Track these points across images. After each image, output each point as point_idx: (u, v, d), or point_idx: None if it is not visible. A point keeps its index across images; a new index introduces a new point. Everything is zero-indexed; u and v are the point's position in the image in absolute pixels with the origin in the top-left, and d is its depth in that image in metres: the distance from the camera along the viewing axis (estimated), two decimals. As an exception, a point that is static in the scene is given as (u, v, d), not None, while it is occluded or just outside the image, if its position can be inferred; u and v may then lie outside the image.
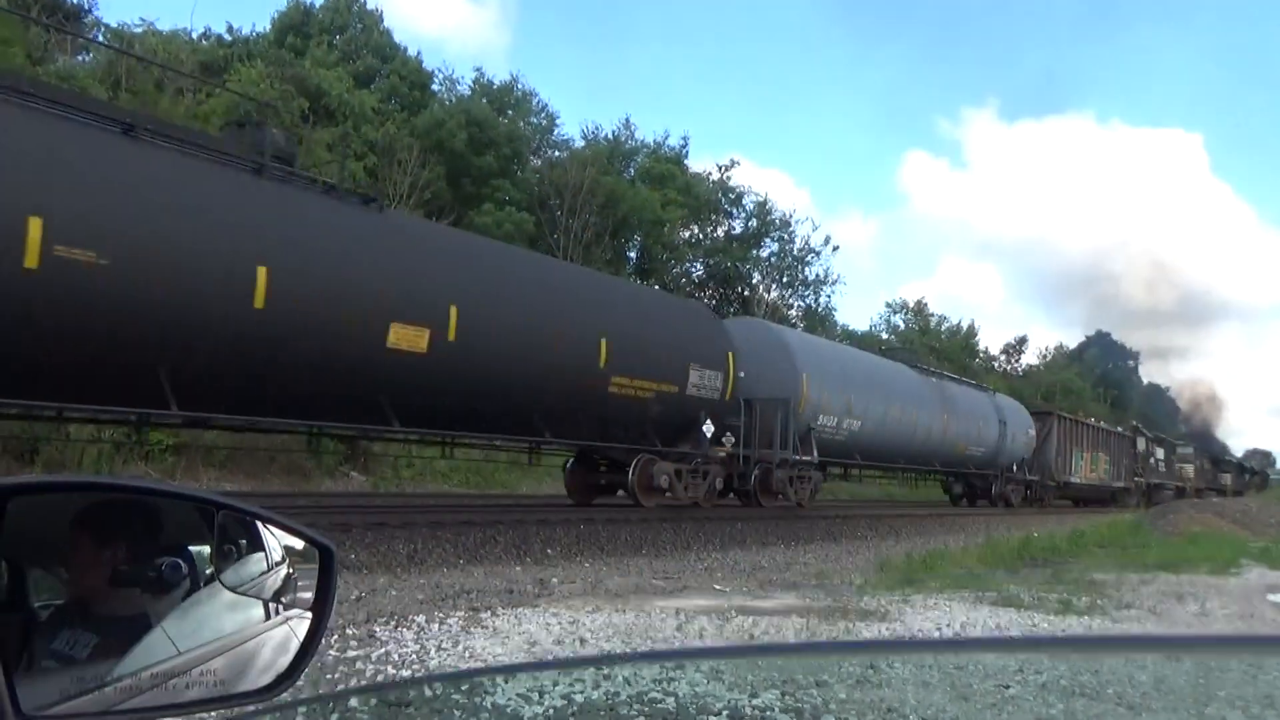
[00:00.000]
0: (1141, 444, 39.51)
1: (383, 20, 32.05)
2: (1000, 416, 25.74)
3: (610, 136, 36.69)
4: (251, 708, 0.97)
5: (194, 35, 27.59)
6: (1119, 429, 38.20)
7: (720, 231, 39.16)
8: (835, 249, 41.71)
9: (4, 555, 0.81)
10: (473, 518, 10.96)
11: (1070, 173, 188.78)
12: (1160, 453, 43.47)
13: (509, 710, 1.17)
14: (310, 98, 24.76)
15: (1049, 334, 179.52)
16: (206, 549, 0.95)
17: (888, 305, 70.37)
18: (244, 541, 0.98)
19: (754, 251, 39.23)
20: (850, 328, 45.68)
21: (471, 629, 4.87)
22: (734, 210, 39.72)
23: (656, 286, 28.85)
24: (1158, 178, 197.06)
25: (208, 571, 0.94)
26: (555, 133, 34.94)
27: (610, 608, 5.83)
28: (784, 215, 40.07)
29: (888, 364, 22.08)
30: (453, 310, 9.96)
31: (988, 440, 24.77)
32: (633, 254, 34.26)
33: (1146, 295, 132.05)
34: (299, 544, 1.02)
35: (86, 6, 24.77)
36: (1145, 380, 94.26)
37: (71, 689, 0.82)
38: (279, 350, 8.54)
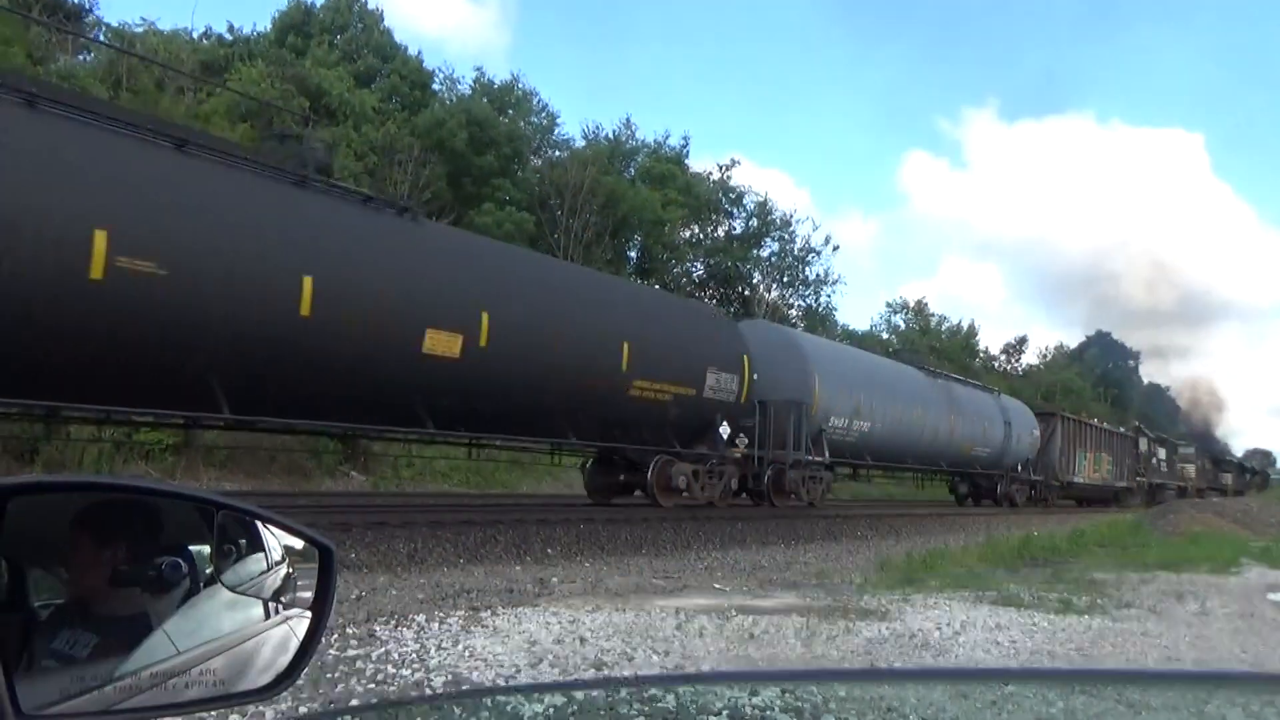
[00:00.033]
0: (1144, 444, 39.83)
1: (383, 20, 32.07)
2: (1005, 417, 25.99)
3: (610, 136, 36.72)
4: (251, 707, 0.97)
5: (195, 35, 27.65)
6: (1121, 429, 38.39)
7: (721, 231, 39.19)
8: (835, 249, 41.78)
9: (4, 555, 0.81)
10: (473, 517, 10.96)
11: (1070, 173, 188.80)
12: (1162, 453, 43.76)
13: (509, 709, 1.17)
14: (311, 97, 24.77)
15: (1049, 334, 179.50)
16: (206, 549, 0.95)
17: (888, 305, 70.34)
18: (244, 541, 0.98)
19: (754, 251, 39.23)
20: (850, 328, 45.70)
21: (471, 628, 4.88)
22: (734, 210, 39.77)
23: (657, 286, 28.86)
24: (1158, 178, 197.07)
25: (207, 571, 0.94)
26: (556, 132, 34.97)
27: (610, 607, 5.84)
28: (784, 215, 40.12)
29: (896, 366, 22.40)
30: (484, 317, 10.31)
31: (993, 441, 25.03)
32: (633, 254, 34.26)
33: (1147, 295, 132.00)
34: (298, 543, 1.02)
35: (87, 6, 24.79)
36: (1145, 380, 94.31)
37: (71, 688, 0.82)
38: (322, 356, 8.88)
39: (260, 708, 2.95)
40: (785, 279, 40.43)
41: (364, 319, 9.12)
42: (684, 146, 38.10)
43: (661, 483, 13.67)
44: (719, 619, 5.50)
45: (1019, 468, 27.47)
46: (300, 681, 0.94)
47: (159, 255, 7.57)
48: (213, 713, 0.99)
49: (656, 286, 28.50)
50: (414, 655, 4.14)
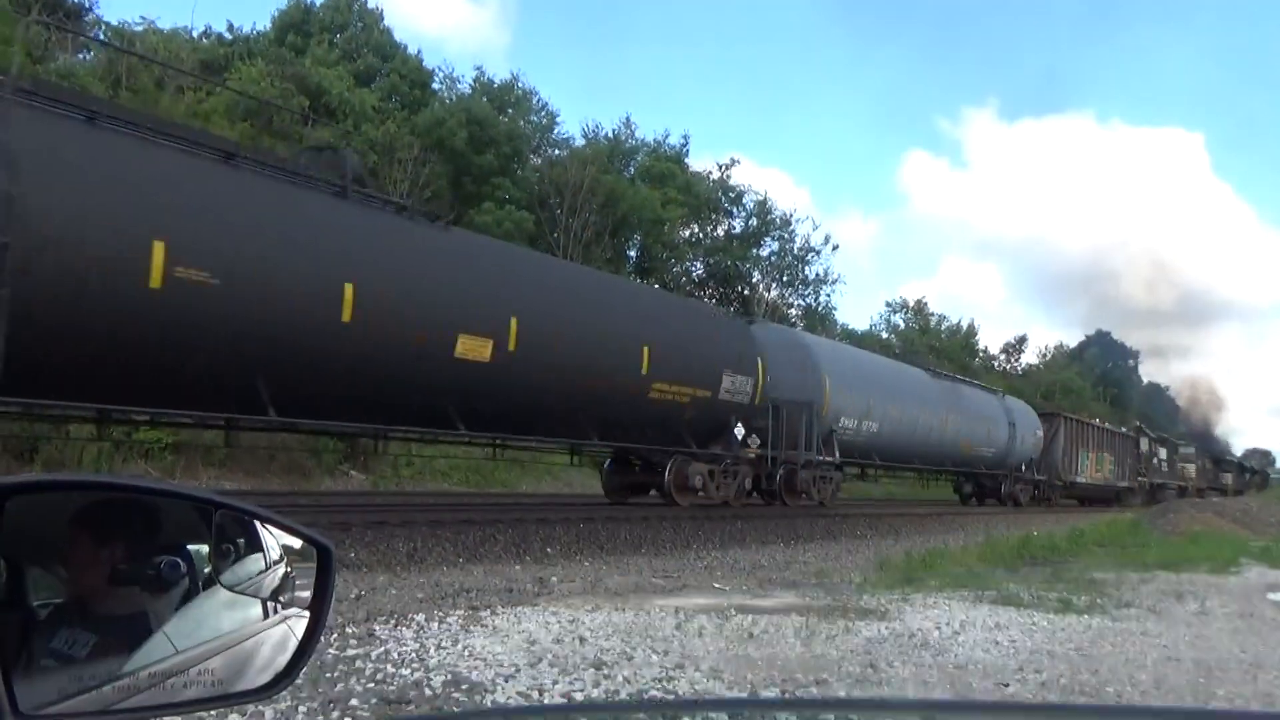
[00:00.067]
0: (1145, 444, 40.26)
1: (383, 19, 32.09)
2: (1009, 418, 26.35)
3: (610, 135, 36.68)
4: (250, 707, 0.97)
5: (194, 33, 27.66)
6: (1123, 429, 38.76)
7: (720, 230, 39.16)
8: (835, 248, 41.70)
9: (3, 554, 0.81)
10: (472, 516, 10.97)
11: (1070, 172, 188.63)
12: (1163, 453, 44.16)
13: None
14: (311, 96, 24.76)
15: (1049, 333, 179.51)
16: (205, 548, 0.95)
17: (888, 305, 70.28)
18: (242, 541, 0.98)
19: (754, 250, 39.21)
20: (850, 327, 45.71)
21: (471, 627, 4.88)
22: (734, 209, 39.74)
23: (656, 285, 28.85)
24: (1158, 177, 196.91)
25: (206, 571, 0.94)
26: (555, 131, 34.94)
27: (610, 606, 5.84)
28: (784, 214, 40.10)
29: (904, 368, 22.84)
30: (513, 322, 10.64)
31: (998, 441, 25.40)
32: (633, 253, 34.23)
33: (1147, 295, 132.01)
34: (297, 543, 1.02)
35: (87, 5, 24.77)
36: (1145, 380, 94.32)
37: (70, 688, 0.82)
38: (361, 360, 9.21)
39: (259, 707, 2.95)
40: (785, 278, 40.45)
41: (401, 324, 9.48)
42: (684, 146, 38.12)
43: (678, 482, 14.01)
44: (718, 618, 5.50)
45: (1023, 468, 27.82)
46: (299, 681, 0.94)
47: (212, 265, 7.93)
48: (211, 712, 0.99)
49: (656, 286, 28.50)
50: (413, 655, 4.14)
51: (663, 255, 34.91)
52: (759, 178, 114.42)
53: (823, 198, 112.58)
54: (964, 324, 57.68)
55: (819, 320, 39.77)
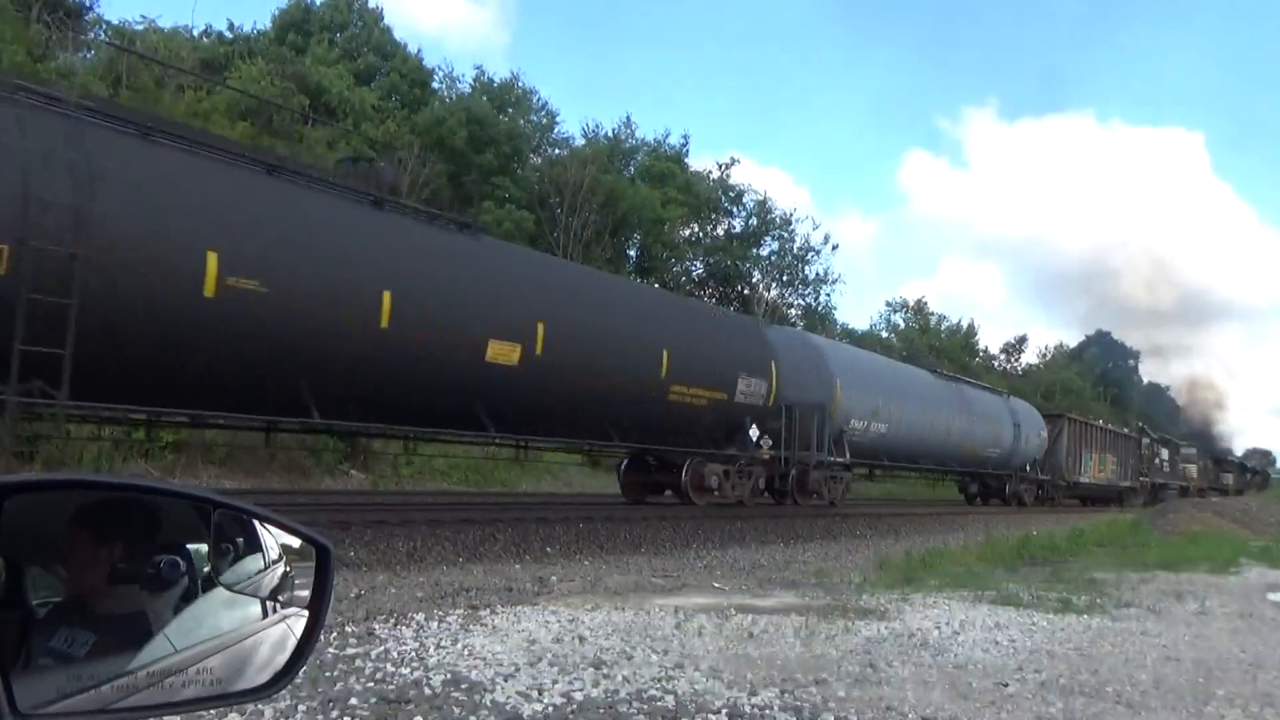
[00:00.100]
0: (1147, 445, 40.53)
1: (383, 18, 32.07)
2: (1014, 419, 26.74)
3: (610, 135, 36.66)
4: (250, 706, 0.97)
5: (195, 32, 27.63)
6: (1125, 430, 39.05)
7: (720, 230, 39.16)
8: (835, 248, 41.74)
9: (2, 553, 0.81)
10: (472, 516, 10.97)
11: (1071, 172, 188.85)
12: (1165, 453, 44.59)
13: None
14: (311, 95, 24.75)
15: (1049, 333, 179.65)
16: (204, 547, 0.95)
17: (888, 304, 70.42)
18: (241, 540, 0.98)
19: (754, 250, 39.21)
20: (850, 327, 45.71)
21: (471, 627, 4.88)
22: (734, 209, 39.75)
23: (656, 285, 28.84)
24: (1158, 177, 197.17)
25: (205, 570, 0.94)
26: (555, 131, 34.93)
27: (609, 606, 5.84)
28: (784, 214, 40.09)
29: (911, 369, 23.22)
30: (540, 327, 11.00)
31: (1003, 442, 25.80)
32: (633, 252, 34.22)
33: (1147, 294, 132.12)
34: (296, 542, 1.02)
35: (88, 4, 24.74)
36: (1145, 380, 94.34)
37: (69, 687, 0.82)
38: (399, 364, 9.58)
39: (259, 706, 2.95)
40: (785, 278, 40.45)
41: (436, 329, 9.83)
42: (683, 145, 38.11)
43: (695, 482, 14.41)
44: (718, 618, 5.50)
45: (1027, 468, 28.25)
46: (298, 680, 0.94)
47: (261, 274, 8.29)
48: (211, 711, 0.99)
49: (657, 286, 28.49)
50: (413, 654, 4.14)
51: (663, 255, 34.90)
52: (759, 177, 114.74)
53: (822, 197, 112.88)
54: (964, 324, 57.76)
55: (819, 320, 39.77)
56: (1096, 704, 3.90)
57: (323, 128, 23.45)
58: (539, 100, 34.24)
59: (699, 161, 51.85)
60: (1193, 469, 49.86)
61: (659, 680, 3.84)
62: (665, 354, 13.01)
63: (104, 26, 24.37)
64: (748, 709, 3.48)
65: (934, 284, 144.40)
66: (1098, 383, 72.70)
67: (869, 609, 6.12)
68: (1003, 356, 64.25)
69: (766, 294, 38.60)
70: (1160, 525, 19.48)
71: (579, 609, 5.62)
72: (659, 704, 3.48)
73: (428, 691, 3.51)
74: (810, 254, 40.37)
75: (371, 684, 3.57)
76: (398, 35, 32.19)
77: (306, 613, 1.01)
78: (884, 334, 50.90)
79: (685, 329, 13.94)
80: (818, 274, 41.02)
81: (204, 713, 0.97)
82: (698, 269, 37.87)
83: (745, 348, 15.19)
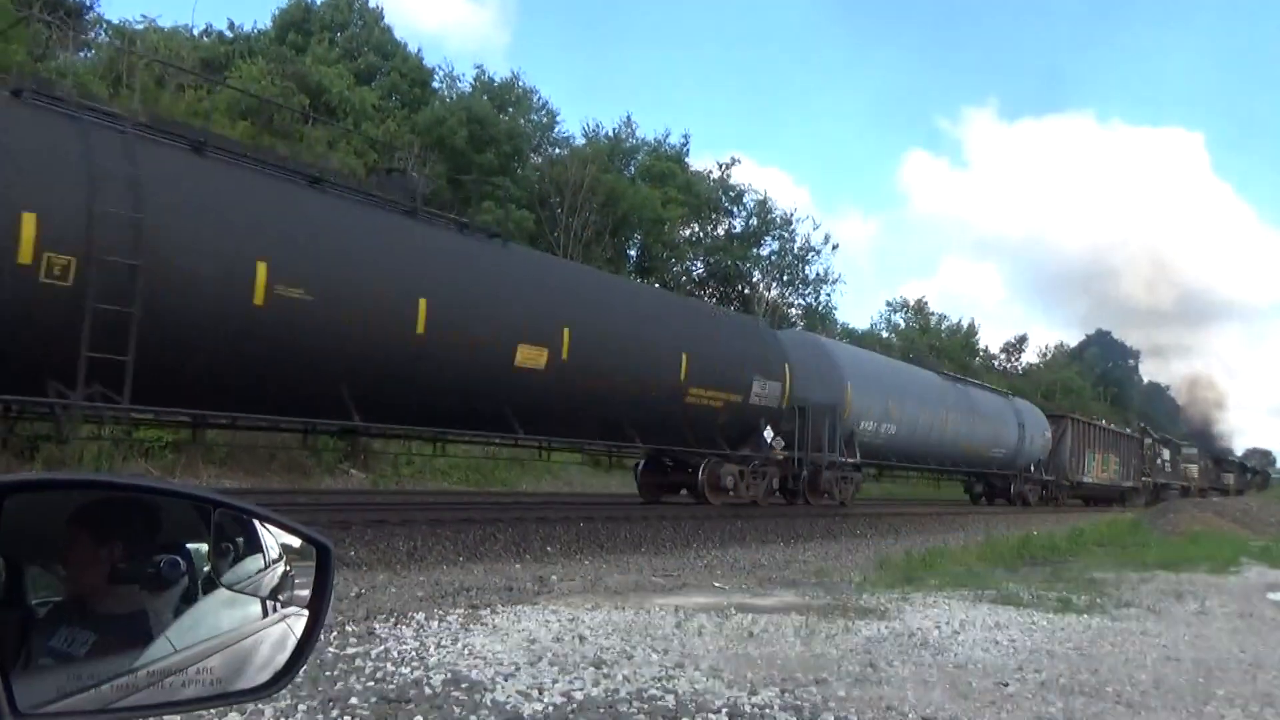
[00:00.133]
0: (1149, 445, 40.85)
1: (383, 17, 32.07)
2: (1019, 420, 27.09)
3: (611, 135, 36.67)
4: (250, 705, 0.97)
5: (195, 32, 27.64)
6: (1128, 430, 39.34)
7: (720, 230, 39.16)
8: (835, 248, 41.76)
9: (2, 553, 0.81)
10: (472, 515, 10.98)
11: (1070, 172, 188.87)
12: (1166, 453, 44.85)
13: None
14: (311, 94, 24.74)
15: (1049, 333, 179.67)
16: (204, 547, 0.95)
17: (888, 304, 70.40)
18: (241, 539, 0.98)
19: (754, 250, 39.21)
20: (850, 327, 45.69)
21: (471, 626, 4.88)
22: (734, 209, 39.76)
23: (656, 285, 28.83)
24: (1158, 177, 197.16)
25: (205, 569, 0.94)
26: (555, 130, 34.93)
27: (610, 605, 5.84)
28: (784, 214, 40.09)
29: (918, 371, 23.63)
30: (566, 332, 11.37)
31: (1008, 443, 26.12)
32: (633, 252, 34.23)
33: (1146, 294, 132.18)
34: (296, 542, 1.02)
35: (88, 3, 24.74)
36: (1145, 379, 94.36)
37: (69, 686, 0.82)
38: (434, 368, 9.90)
39: (259, 706, 2.95)
40: (785, 278, 40.46)
41: (468, 335, 10.20)
42: (684, 145, 38.12)
43: (711, 482, 14.74)
44: (718, 617, 5.50)
45: (1031, 468, 28.52)
46: (298, 680, 0.94)
47: (306, 283, 8.63)
48: (211, 711, 0.99)
49: (657, 285, 28.48)
50: (413, 653, 4.14)
51: (663, 254, 34.90)
52: (759, 177, 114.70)
53: (822, 197, 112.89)
54: (964, 323, 57.74)
55: (819, 320, 39.76)
56: (1096, 704, 3.90)
57: (323, 127, 23.44)
58: (539, 100, 34.30)
59: (699, 161, 51.87)
60: (1194, 469, 50.21)
61: (659, 679, 3.84)
62: (684, 358, 13.35)
63: (104, 26, 24.39)
64: (748, 708, 3.48)
65: (934, 284, 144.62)
66: (1098, 382, 72.71)
67: (869, 608, 6.12)
68: (1003, 356, 64.32)
69: (767, 294, 38.61)
70: (1160, 525, 19.48)
71: (579, 608, 5.62)
72: (659, 703, 3.48)
73: (428, 691, 3.51)
74: (810, 254, 40.44)
75: (372, 683, 3.57)
76: (398, 35, 32.23)
77: (307, 612, 1.01)
78: (884, 334, 50.89)
79: (703, 333, 14.30)
80: (818, 274, 41.10)
81: (204, 712, 0.97)
82: (698, 269, 37.90)
83: (760, 351, 15.54)
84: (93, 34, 23.16)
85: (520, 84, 33.63)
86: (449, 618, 5.09)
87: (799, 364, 16.27)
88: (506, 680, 3.70)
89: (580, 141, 34.79)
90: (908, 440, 20.27)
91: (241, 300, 8.18)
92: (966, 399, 24.13)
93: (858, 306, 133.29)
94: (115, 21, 24.78)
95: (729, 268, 37.62)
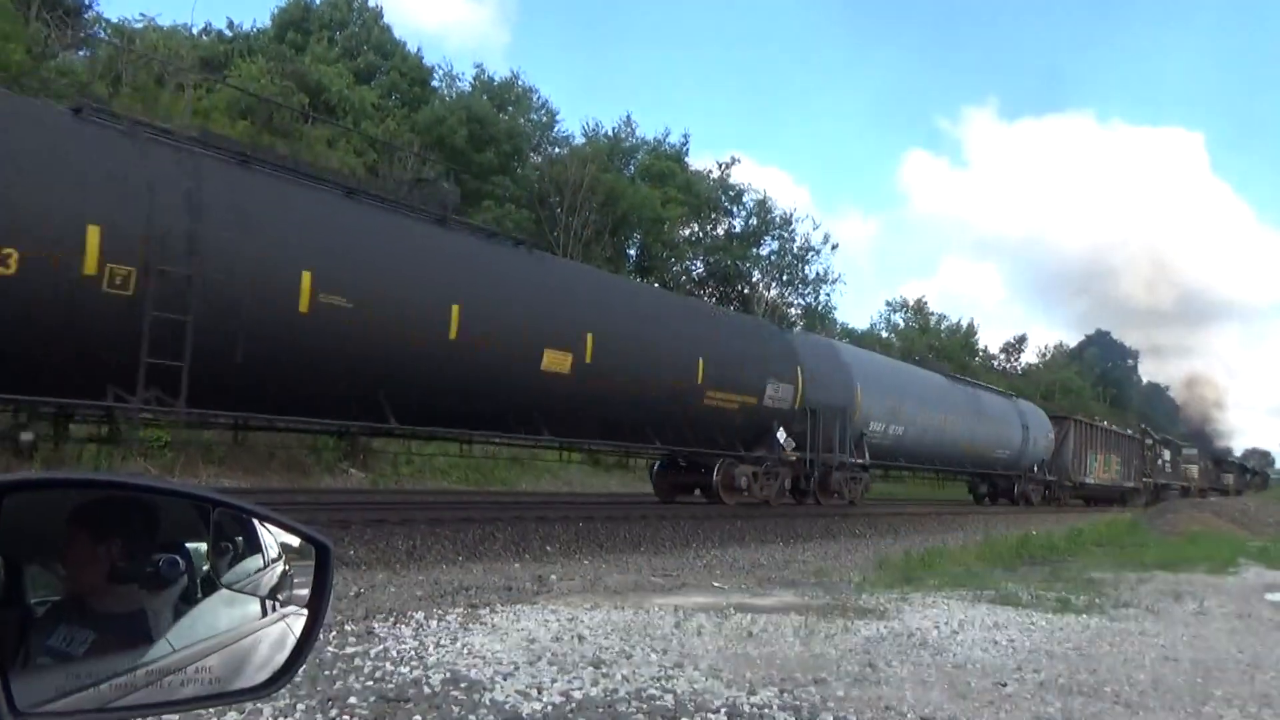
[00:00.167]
0: (1149, 446, 41.22)
1: (382, 16, 32.08)
2: (1023, 421, 27.32)
3: (610, 134, 36.65)
4: (249, 705, 0.97)
5: (195, 31, 27.64)
6: (1129, 432, 39.53)
7: (720, 229, 39.15)
8: (834, 247, 41.76)
9: (1, 552, 0.81)
10: (472, 515, 10.98)
11: (1070, 171, 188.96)
12: (1167, 454, 45.12)
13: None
14: (310, 93, 24.75)
15: (1048, 333, 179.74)
16: (203, 546, 0.95)
17: (888, 304, 70.38)
18: (241, 539, 0.98)
19: (754, 250, 39.20)
20: (850, 326, 45.70)
21: (470, 625, 4.88)
22: (734, 208, 39.74)
23: (656, 284, 28.83)
24: (1158, 177, 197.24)
25: (205, 569, 0.94)
26: (555, 130, 34.93)
27: (609, 605, 5.84)
28: (784, 213, 40.08)
29: (926, 374, 23.93)
30: (589, 337, 11.68)
31: (1012, 444, 26.37)
32: (632, 251, 34.21)
33: (1146, 294, 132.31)
34: (295, 541, 1.02)
35: (87, 2, 24.72)
36: (1145, 379, 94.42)
37: (67, 686, 0.82)
38: (465, 373, 10.22)
39: (258, 705, 2.95)
40: (785, 277, 40.44)
41: (497, 341, 10.50)
42: (684, 144, 38.11)
43: (726, 483, 15.03)
44: (717, 617, 5.50)
45: (1035, 469, 28.74)
46: (297, 679, 0.94)
47: (347, 291, 8.95)
48: (210, 710, 0.99)
49: (657, 285, 28.48)
50: (412, 653, 4.14)
51: (662, 254, 34.89)
52: (759, 177, 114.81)
53: (822, 197, 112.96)
54: (964, 323, 57.77)
55: (818, 320, 39.77)
56: (1095, 704, 3.90)
57: (322, 126, 23.44)
58: (539, 99, 34.31)
59: (699, 161, 51.83)
60: (1194, 470, 50.58)
61: (658, 679, 3.84)
62: (701, 361, 13.63)
63: (103, 24, 24.36)
64: (747, 708, 3.48)
65: (934, 284, 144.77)
66: (1097, 382, 72.77)
67: (868, 608, 6.12)
68: (1002, 356, 64.36)
69: (766, 294, 38.60)
70: (1159, 525, 19.49)
71: (578, 608, 5.62)
72: (658, 703, 3.48)
73: (427, 690, 3.51)
74: (810, 254, 40.44)
75: (371, 683, 3.57)
76: (397, 34, 32.26)
77: (306, 611, 1.01)
78: (884, 334, 50.91)
79: (719, 337, 14.59)
80: (818, 274, 41.10)
81: (203, 712, 0.97)
82: (698, 268, 37.89)
83: (773, 354, 15.83)
84: (91, 32, 23.13)
85: (520, 83, 33.68)
86: (448, 617, 5.09)
87: (811, 367, 16.49)
88: (505, 680, 3.70)
89: (580, 141, 34.83)
90: (915, 441, 20.52)
91: (288, 308, 8.50)
92: (972, 400, 24.36)
93: (858, 306, 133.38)
94: (114, 20, 24.80)
95: (729, 267, 37.62)
